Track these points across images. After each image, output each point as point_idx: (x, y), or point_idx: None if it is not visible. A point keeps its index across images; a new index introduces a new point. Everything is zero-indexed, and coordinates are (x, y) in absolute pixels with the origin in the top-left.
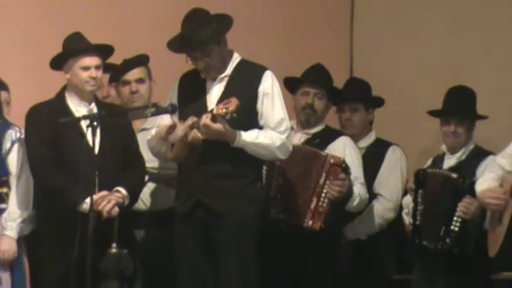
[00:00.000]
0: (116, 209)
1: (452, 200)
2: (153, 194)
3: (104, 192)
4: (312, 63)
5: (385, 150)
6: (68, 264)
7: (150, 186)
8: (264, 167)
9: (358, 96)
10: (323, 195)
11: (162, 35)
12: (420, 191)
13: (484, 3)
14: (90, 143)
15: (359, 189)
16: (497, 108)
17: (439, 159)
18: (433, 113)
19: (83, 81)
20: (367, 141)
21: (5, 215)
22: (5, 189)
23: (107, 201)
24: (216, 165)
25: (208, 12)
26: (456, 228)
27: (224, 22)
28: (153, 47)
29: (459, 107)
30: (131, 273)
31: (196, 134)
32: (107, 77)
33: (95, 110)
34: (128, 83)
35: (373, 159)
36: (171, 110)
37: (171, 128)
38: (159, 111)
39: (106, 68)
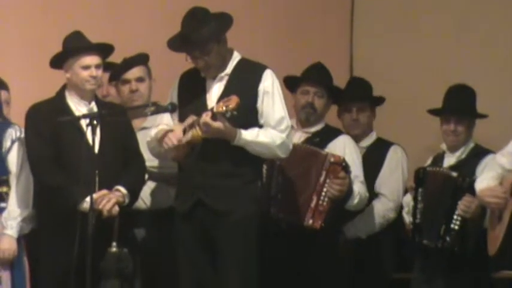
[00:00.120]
0: (116, 208)
1: (452, 198)
2: (153, 193)
3: (104, 191)
4: (312, 62)
5: (386, 150)
6: (68, 263)
7: (150, 185)
8: (264, 166)
9: (364, 96)
10: (323, 194)
11: (161, 33)
12: (420, 190)
13: (484, 3)
14: (90, 142)
15: (359, 188)
16: (497, 107)
17: (439, 158)
18: (433, 112)
19: (83, 80)
20: (368, 140)
21: (5, 214)
22: (5, 188)
23: (107, 200)
24: (216, 164)
25: (208, 11)
26: (456, 227)
27: (224, 21)
28: (153, 45)
29: (459, 105)
30: (131, 272)
31: (196, 132)
32: (106, 75)
33: (95, 109)
34: (127, 81)
35: (374, 159)
36: (171, 109)
37: (169, 132)
38: (159, 110)
39: (106, 67)
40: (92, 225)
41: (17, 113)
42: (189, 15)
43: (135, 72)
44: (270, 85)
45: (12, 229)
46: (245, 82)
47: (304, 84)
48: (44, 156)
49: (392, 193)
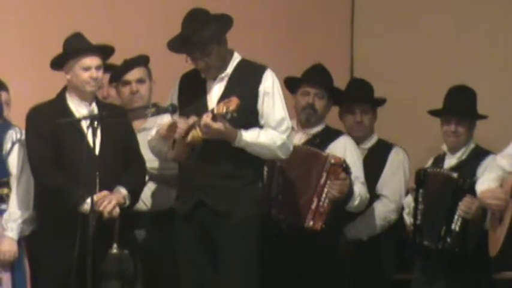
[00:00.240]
0: (117, 209)
1: (453, 199)
2: (153, 194)
3: (105, 193)
4: (312, 63)
5: (388, 152)
6: (68, 265)
7: (150, 187)
8: (265, 167)
9: (367, 98)
10: (324, 195)
11: (162, 35)
12: (421, 191)
13: (484, 3)
14: (91, 143)
15: (360, 189)
16: (497, 108)
17: (439, 159)
18: (433, 113)
19: (83, 81)
20: (369, 142)
21: (5, 215)
22: (5, 190)
23: (108, 201)
24: (217, 165)
25: (208, 12)
26: (457, 228)
27: (224, 22)
28: (153, 47)
29: (460, 106)
30: (132, 274)
31: (196, 133)
32: (107, 77)
33: (96, 111)
34: (128, 83)
35: (376, 161)
36: (171, 110)
37: (172, 126)
38: (159, 111)
39: (106, 68)
40: (93, 227)
41: (17, 114)
42: (189, 17)
43: (135, 74)
44: (270, 86)
45: (12, 231)
46: (245, 83)
47: (305, 85)
48: (45, 158)
49: (393, 194)
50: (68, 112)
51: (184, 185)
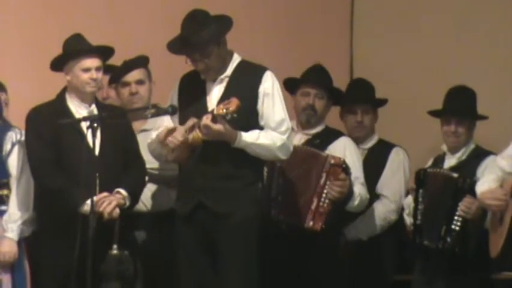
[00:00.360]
0: (117, 210)
1: (453, 199)
2: (153, 195)
3: (105, 194)
4: (312, 62)
5: (388, 152)
6: (68, 266)
7: (150, 188)
8: (265, 168)
9: (368, 98)
10: (324, 195)
11: (161, 36)
12: (421, 191)
13: (484, 3)
14: (91, 144)
15: (359, 190)
16: (497, 108)
17: (439, 159)
18: (433, 113)
19: (83, 82)
20: (370, 142)
21: (5, 216)
22: (5, 191)
23: (108, 202)
24: (217, 166)
25: (207, 14)
26: (457, 228)
27: (224, 23)
28: (153, 48)
29: (459, 107)
30: (132, 275)
31: (196, 134)
32: (106, 78)
33: (95, 112)
34: (127, 84)
35: (376, 161)
36: (171, 111)
37: (171, 131)
38: (159, 112)
39: (106, 69)
40: (93, 228)
41: (17, 115)
42: (189, 18)
43: (135, 75)
44: (270, 87)
45: (12, 232)
46: (245, 84)
47: (305, 86)
48: (45, 159)
49: (394, 195)
50: (68, 113)
51: (184, 186)
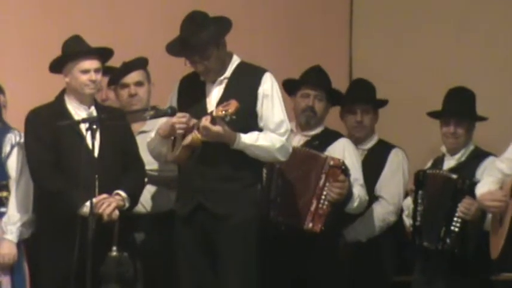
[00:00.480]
0: (116, 212)
1: (452, 200)
2: (153, 197)
3: (104, 196)
4: (311, 63)
5: (387, 153)
6: (68, 268)
7: (150, 189)
8: (264, 169)
9: (369, 98)
10: (323, 197)
11: (161, 37)
12: (420, 192)
13: (484, 3)
14: (90, 146)
15: (359, 191)
16: (497, 109)
17: (439, 161)
18: (432, 114)
19: (82, 84)
20: (369, 143)
21: (5, 218)
22: (4, 193)
23: (107, 204)
24: (216, 167)
25: (207, 15)
26: (456, 229)
27: (223, 25)
28: (152, 50)
29: (458, 108)
30: (132, 277)
31: (196, 136)
32: (105, 80)
33: (95, 113)
34: (126, 86)
35: (375, 161)
36: (170, 113)
37: (171, 123)
38: (158, 113)
39: (105, 71)
40: (92, 230)
41: (16, 117)
42: (188, 19)
43: (134, 77)
44: (269, 88)
45: (12, 234)
46: (244, 85)
47: (304, 87)
48: (44, 161)
49: (392, 197)
50: (67, 115)
51: (184, 187)
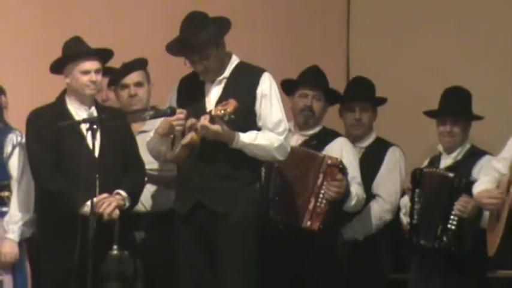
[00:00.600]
0: (117, 211)
1: (449, 199)
2: (153, 196)
3: (105, 195)
4: (309, 63)
5: (384, 151)
6: (69, 267)
7: (149, 188)
8: (262, 168)
9: (368, 96)
10: (321, 196)
11: (160, 38)
12: (417, 190)
13: (484, 3)
14: (90, 146)
15: (356, 190)
16: (496, 108)
17: (435, 159)
18: (429, 114)
19: (82, 85)
20: (367, 141)
21: (6, 218)
22: (6, 193)
23: (108, 203)
24: (215, 166)
25: (206, 16)
26: (453, 227)
27: (222, 25)
28: (152, 50)
29: (454, 107)
30: (132, 275)
31: (195, 135)
32: (105, 80)
33: (95, 114)
34: (126, 86)
35: (372, 159)
36: (170, 113)
37: (170, 122)
38: (158, 114)
39: (105, 71)
40: (93, 229)
41: (17, 117)
42: (188, 20)
43: (133, 77)
44: (267, 88)
45: (13, 233)
46: (243, 85)
47: (302, 87)
48: (45, 162)
49: (389, 195)
50: (68, 115)
51: (183, 186)
